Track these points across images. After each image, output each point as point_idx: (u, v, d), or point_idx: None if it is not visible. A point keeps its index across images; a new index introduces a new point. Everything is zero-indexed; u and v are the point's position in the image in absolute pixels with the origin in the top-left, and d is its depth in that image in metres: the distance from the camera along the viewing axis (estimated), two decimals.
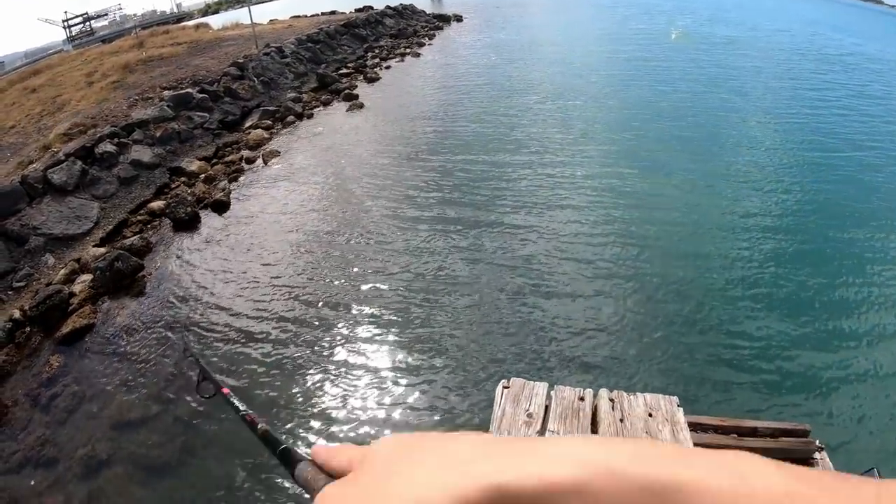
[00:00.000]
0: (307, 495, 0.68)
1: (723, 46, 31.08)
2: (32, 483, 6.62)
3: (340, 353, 7.88)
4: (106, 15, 58.33)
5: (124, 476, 6.51)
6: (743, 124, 16.68)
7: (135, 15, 66.09)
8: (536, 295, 8.74)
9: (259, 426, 1.14)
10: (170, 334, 8.54)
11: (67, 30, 51.94)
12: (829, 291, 8.58)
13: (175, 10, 75.97)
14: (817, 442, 2.83)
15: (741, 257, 9.49)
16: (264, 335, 8.36)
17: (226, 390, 1.99)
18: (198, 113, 17.43)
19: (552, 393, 3.07)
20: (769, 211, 11.03)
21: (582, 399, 3.02)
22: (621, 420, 2.83)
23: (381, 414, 6.86)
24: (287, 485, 5.89)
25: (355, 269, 9.82)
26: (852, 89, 21.66)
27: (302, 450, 0.80)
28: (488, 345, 7.81)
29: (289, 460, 0.82)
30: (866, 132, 16.02)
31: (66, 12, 52.35)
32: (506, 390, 3.08)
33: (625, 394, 3.03)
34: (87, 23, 53.84)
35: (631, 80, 22.43)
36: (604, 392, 3.05)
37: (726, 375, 7.06)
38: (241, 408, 1.37)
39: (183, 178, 14.25)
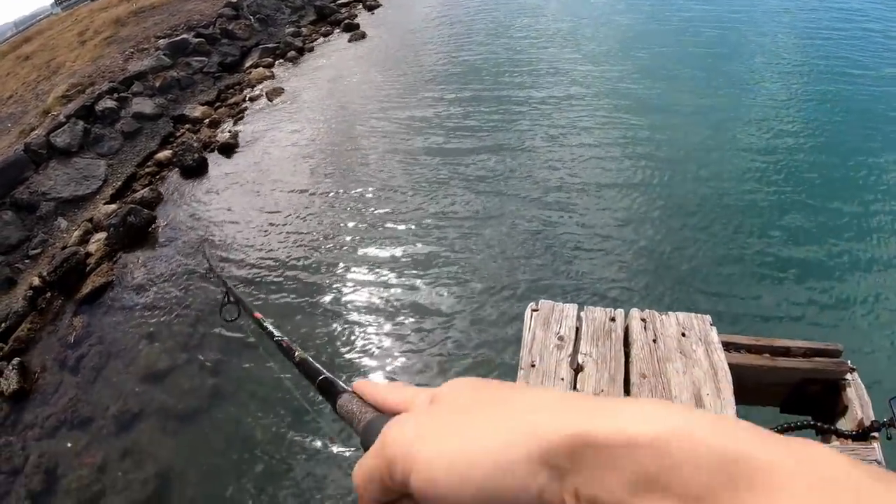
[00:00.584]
0: (350, 427, 0.66)
1: None
2: (69, 445, 6.62)
3: (366, 289, 7.62)
4: None
5: (157, 429, 6.46)
6: (765, 38, 15.52)
7: None
8: (559, 214, 8.28)
9: (296, 353, 1.15)
10: (187, 283, 8.36)
11: None
12: (864, 213, 7.97)
13: None
14: (849, 363, 2.74)
15: (767, 176, 8.81)
16: (284, 271, 8.16)
17: (258, 315, 1.80)
18: (196, 58, 16.87)
19: (582, 314, 2.94)
20: (799, 126, 10.20)
21: (613, 320, 2.91)
22: (654, 340, 2.75)
23: (414, 346, 6.62)
24: (321, 422, 5.71)
25: (371, 203, 9.43)
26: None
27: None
28: (516, 269, 7.46)
29: (329, 391, 0.80)
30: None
31: None
32: (535, 313, 2.94)
33: (656, 313, 2.93)
34: None
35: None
36: (635, 312, 2.94)
37: (757, 293, 6.66)
38: (277, 334, 1.41)
39: (188, 125, 13.87)
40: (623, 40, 15.58)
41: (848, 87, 11.48)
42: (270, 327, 1.50)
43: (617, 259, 7.38)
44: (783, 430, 2.61)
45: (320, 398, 0.79)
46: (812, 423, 2.66)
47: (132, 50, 17.80)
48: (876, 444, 2.39)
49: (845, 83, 11.66)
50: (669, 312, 2.93)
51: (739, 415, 2.35)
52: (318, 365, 0.99)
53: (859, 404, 2.59)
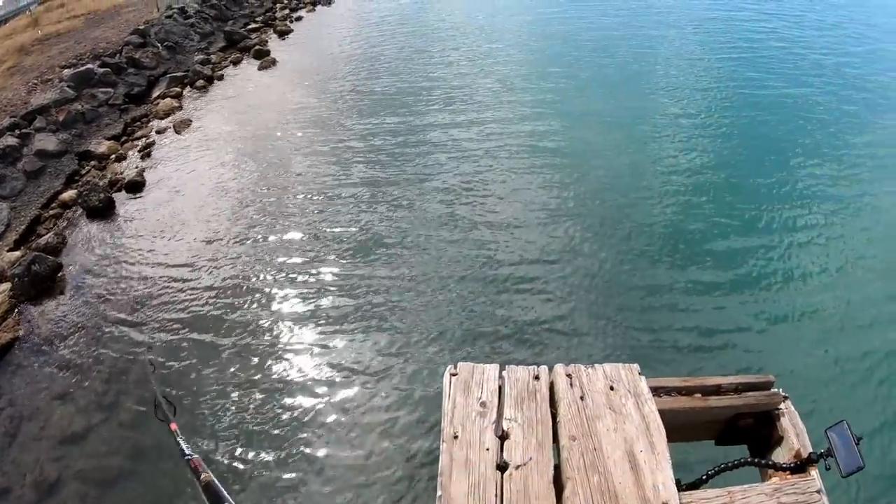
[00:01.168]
0: None
1: None
2: None
3: (280, 351, 7.69)
4: None
5: (78, 495, 6.33)
6: (672, 61, 16.52)
7: None
8: (477, 254, 8.79)
9: (202, 475, 1.10)
10: (97, 335, 8.27)
11: None
12: (782, 233, 8.79)
13: None
14: (782, 391, 2.78)
15: (685, 199, 9.59)
16: (191, 324, 8.18)
17: (174, 426, 1.95)
18: (101, 89, 16.50)
19: (504, 374, 2.84)
20: (706, 153, 11.10)
21: (537, 378, 2.81)
22: (581, 398, 2.68)
23: (325, 419, 6.75)
24: None
25: (283, 247, 9.58)
26: (787, 20, 21.26)
27: None
28: (439, 319, 7.77)
29: None
30: (800, 65, 16.01)
31: None
32: (454, 378, 2.82)
33: (582, 367, 2.85)
34: None
35: (553, 19, 21.98)
36: (559, 368, 2.85)
37: (684, 324, 7.21)
38: (187, 451, 1.39)
39: (93, 162, 13.59)
40: (533, 67, 16.38)
41: (757, 112, 12.63)
42: (182, 443, 1.60)
43: (540, 300, 7.83)
44: (721, 470, 2.64)
45: None
46: (750, 459, 2.64)
47: (36, 81, 17.32)
48: (815, 474, 2.39)
49: (756, 107, 12.83)
50: (596, 365, 2.85)
51: (675, 451, 2.44)
52: (220, 489, 1.05)
53: (794, 433, 2.59)
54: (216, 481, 0.97)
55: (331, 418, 6.71)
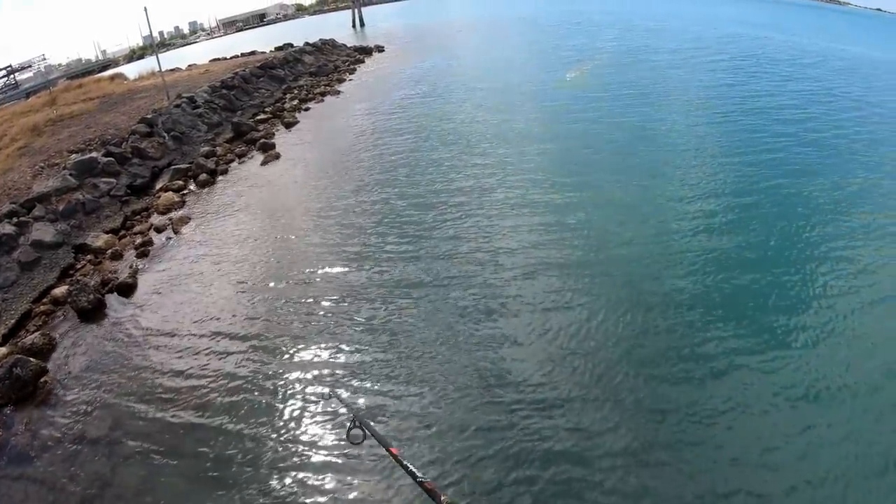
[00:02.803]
0: None
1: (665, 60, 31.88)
2: None
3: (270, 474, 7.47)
4: (30, 66, 56.97)
5: None
6: (682, 137, 17.33)
7: (60, 65, 64.86)
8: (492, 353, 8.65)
9: (441, 497, 1.19)
10: (74, 453, 8.02)
11: None
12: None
13: (100, 56, 74.57)
14: None
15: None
16: (184, 444, 7.88)
17: (395, 450, 1.88)
18: (104, 179, 16.81)
19: None
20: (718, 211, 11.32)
21: None
22: None
23: None
24: None
25: (282, 357, 9.34)
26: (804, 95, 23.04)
27: None
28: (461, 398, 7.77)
29: None
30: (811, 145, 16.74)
31: None
32: None
33: None
34: (12, 76, 52.36)
35: (562, 102, 22.93)
36: None
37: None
38: (419, 474, 1.44)
39: (89, 256, 13.65)
40: (542, 156, 16.90)
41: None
42: (411, 466, 1.53)
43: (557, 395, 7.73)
44: None
45: None
46: None
47: (43, 164, 17.70)
48: None
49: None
50: None
51: None
52: None
53: None
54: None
55: None
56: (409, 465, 1.57)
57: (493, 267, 10.94)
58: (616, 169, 15.07)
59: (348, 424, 2.80)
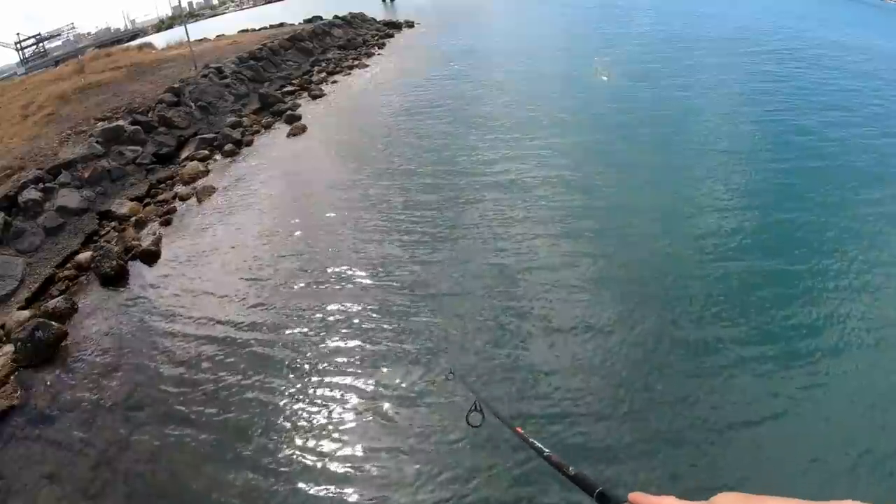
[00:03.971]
0: None
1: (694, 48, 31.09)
2: None
3: (291, 447, 7.35)
4: (59, 35, 57.56)
5: None
6: (713, 132, 16.68)
7: (88, 34, 65.10)
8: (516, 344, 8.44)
9: (570, 468, 1.25)
10: (92, 417, 8.00)
11: (20, 52, 51.09)
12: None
13: (129, 26, 74.79)
14: None
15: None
16: (203, 412, 7.83)
17: (519, 429, 1.91)
18: (130, 147, 16.77)
19: None
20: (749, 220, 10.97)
21: None
22: None
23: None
24: None
25: (298, 335, 9.16)
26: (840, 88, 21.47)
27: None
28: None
29: (609, 502, 0.99)
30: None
31: (18, 34, 51.72)
32: None
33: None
34: (41, 44, 52.95)
35: (599, 90, 22.26)
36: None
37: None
38: (546, 450, 1.49)
39: (113, 223, 13.69)
40: (571, 133, 16.62)
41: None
42: (538, 443, 1.59)
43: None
44: None
45: None
46: None
47: (70, 131, 17.67)
48: None
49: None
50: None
51: None
52: (590, 478, 1.15)
53: None
54: (584, 472, 1.00)
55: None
56: (535, 441, 1.58)
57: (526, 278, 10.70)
58: (655, 167, 14.38)
59: (468, 407, 2.81)
